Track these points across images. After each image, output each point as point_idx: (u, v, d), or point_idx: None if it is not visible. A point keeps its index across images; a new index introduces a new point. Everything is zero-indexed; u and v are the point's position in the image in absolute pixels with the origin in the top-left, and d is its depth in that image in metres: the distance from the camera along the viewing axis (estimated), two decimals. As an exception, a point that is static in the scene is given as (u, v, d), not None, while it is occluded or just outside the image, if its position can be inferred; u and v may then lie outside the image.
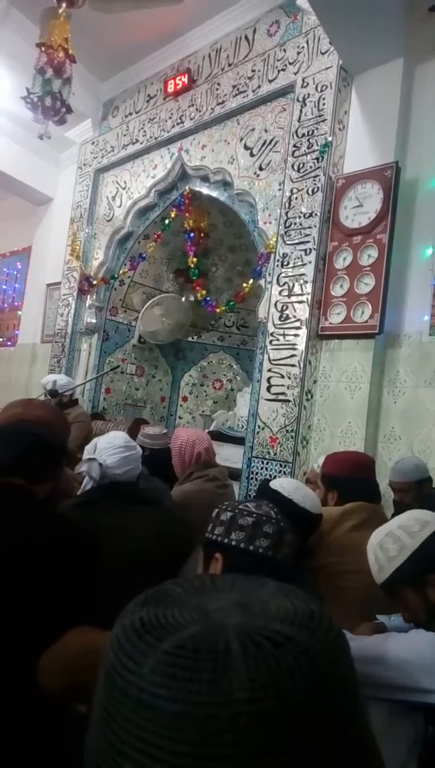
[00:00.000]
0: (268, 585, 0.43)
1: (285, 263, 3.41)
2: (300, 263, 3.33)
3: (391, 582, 1.22)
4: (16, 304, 6.81)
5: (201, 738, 0.31)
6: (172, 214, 4.61)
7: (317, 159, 3.33)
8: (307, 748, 0.33)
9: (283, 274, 3.42)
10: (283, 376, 3.33)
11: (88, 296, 5.07)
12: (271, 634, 0.35)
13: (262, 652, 0.33)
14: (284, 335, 3.35)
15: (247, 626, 0.35)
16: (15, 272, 6.93)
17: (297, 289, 3.33)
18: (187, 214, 4.58)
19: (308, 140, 3.40)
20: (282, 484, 1.61)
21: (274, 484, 1.62)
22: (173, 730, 0.31)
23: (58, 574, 1.20)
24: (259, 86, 3.79)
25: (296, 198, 3.42)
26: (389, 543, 1.23)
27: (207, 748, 0.31)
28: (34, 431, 1.41)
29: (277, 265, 3.46)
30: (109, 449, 1.64)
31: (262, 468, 3.38)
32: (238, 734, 0.31)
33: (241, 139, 3.92)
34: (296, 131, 3.48)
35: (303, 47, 3.53)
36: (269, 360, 3.41)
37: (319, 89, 3.38)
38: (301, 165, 3.42)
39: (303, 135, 3.43)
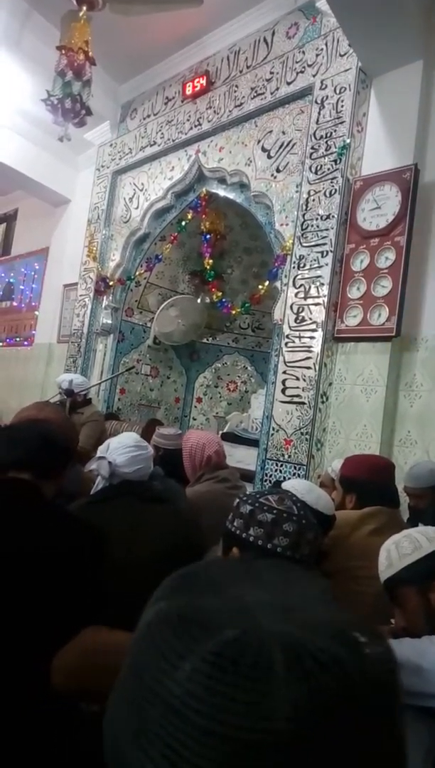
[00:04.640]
0: (307, 584, 0.40)
1: (301, 265, 3.40)
2: (316, 265, 3.32)
3: (397, 579, 1.21)
4: (33, 304, 6.87)
5: (232, 761, 0.29)
6: (189, 216, 4.62)
7: (335, 161, 3.32)
8: None
9: (299, 276, 3.41)
10: (298, 379, 3.31)
11: (105, 297, 5.09)
12: (317, 653, 0.31)
13: (308, 676, 0.30)
14: (300, 337, 3.34)
15: (291, 638, 0.32)
16: (33, 273, 6.99)
17: (313, 292, 3.31)
18: (203, 216, 4.58)
19: (326, 142, 3.39)
20: (294, 486, 1.60)
21: (287, 485, 1.61)
22: (203, 746, 0.30)
23: (66, 570, 1.21)
24: (278, 88, 3.78)
25: (313, 200, 3.40)
26: (405, 542, 1.23)
27: None
28: (44, 431, 1.44)
29: (294, 267, 3.45)
30: (119, 449, 1.68)
31: (275, 470, 3.36)
32: (273, 764, 0.29)
33: (259, 141, 3.92)
34: (314, 133, 3.47)
35: (322, 49, 3.52)
36: (284, 362, 3.40)
37: (337, 91, 3.37)
38: (318, 167, 3.41)
39: (321, 137, 3.42)
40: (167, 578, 0.40)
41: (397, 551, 1.23)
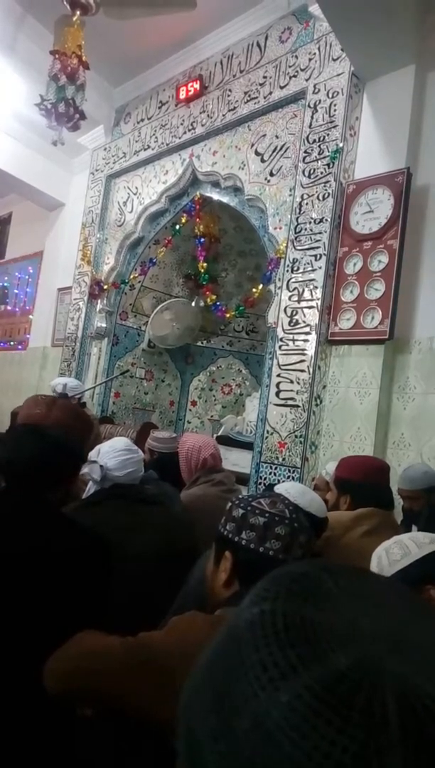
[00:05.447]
0: (426, 614, 0.36)
1: (295, 268, 3.41)
2: (310, 268, 3.33)
3: None
4: (27, 308, 6.86)
5: None
6: (183, 220, 4.63)
7: (328, 165, 3.33)
8: None
9: (293, 280, 3.42)
10: (292, 381, 3.32)
11: (99, 301, 5.09)
12: None
13: (425, 741, 0.26)
14: (294, 340, 3.35)
15: (408, 686, 0.28)
16: (27, 276, 6.98)
17: (307, 295, 3.32)
18: (197, 220, 4.60)
19: (319, 146, 3.40)
20: (287, 489, 1.60)
21: (280, 489, 1.61)
22: None
23: (69, 578, 1.20)
24: (271, 92, 3.80)
25: (307, 203, 3.42)
26: (395, 549, 1.24)
27: None
28: (52, 435, 1.41)
29: (287, 271, 3.46)
30: (110, 453, 1.69)
31: (270, 473, 3.37)
32: None
33: (252, 145, 3.93)
34: (307, 137, 3.48)
35: (315, 54, 3.54)
36: (278, 365, 3.41)
37: (330, 95, 3.39)
38: (311, 171, 3.42)
39: (314, 141, 3.44)
40: (274, 573, 0.36)
41: (388, 557, 1.24)
